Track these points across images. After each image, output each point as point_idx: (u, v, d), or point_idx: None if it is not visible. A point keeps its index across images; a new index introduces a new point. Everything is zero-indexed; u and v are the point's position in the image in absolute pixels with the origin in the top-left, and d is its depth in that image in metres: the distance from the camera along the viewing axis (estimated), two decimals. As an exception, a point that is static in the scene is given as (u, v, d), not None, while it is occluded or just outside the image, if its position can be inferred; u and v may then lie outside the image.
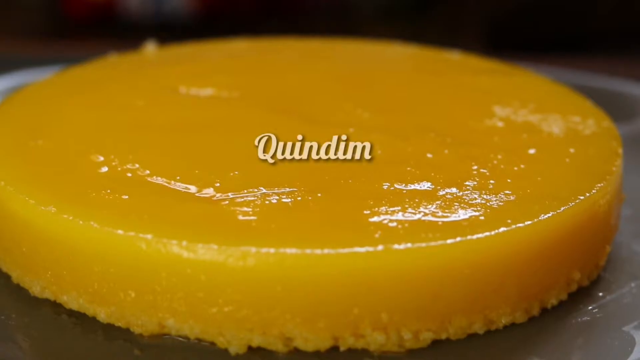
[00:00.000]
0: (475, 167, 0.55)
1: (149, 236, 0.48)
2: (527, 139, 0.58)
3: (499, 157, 0.56)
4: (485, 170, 0.54)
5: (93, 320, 0.51)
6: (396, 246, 0.48)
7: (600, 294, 0.55)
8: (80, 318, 0.51)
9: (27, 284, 0.53)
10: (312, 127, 0.59)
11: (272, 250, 0.47)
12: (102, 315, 0.51)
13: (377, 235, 0.48)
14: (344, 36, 0.74)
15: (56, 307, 0.52)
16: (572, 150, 0.57)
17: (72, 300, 0.51)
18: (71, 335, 0.50)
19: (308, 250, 0.47)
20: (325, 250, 0.47)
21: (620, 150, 0.58)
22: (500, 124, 0.60)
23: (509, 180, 0.53)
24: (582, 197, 0.53)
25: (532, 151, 0.57)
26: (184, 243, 0.48)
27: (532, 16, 1.09)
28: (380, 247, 0.48)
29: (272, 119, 0.60)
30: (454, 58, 0.71)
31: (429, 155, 0.56)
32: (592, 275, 0.55)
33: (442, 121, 0.60)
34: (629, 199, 0.61)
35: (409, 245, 0.48)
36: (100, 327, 0.51)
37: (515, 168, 0.55)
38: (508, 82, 0.67)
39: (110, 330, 0.50)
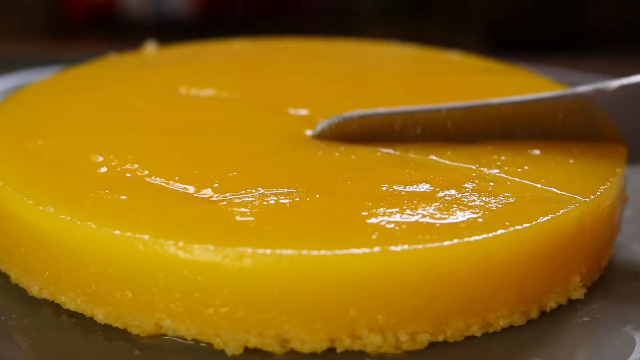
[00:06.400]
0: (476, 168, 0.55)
1: (146, 237, 0.48)
2: (530, 140, 0.58)
3: (503, 158, 0.55)
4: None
5: (93, 320, 0.51)
6: (393, 248, 0.47)
7: (601, 294, 0.54)
8: (80, 318, 0.51)
9: (25, 284, 0.53)
10: (311, 127, 0.59)
11: (268, 251, 0.47)
12: (100, 316, 0.51)
13: (374, 237, 0.48)
14: (344, 36, 0.74)
15: (56, 307, 0.52)
16: (575, 151, 0.57)
17: (69, 301, 0.51)
18: (71, 336, 0.50)
19: (304, 252, 0.47)
20: (322, 252, 0.47)
21: (624, 152, 0.58)
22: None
23: (508, 183, 0.53)
24: (587, 200, 0.52)
25: (535, 152, 0.56)
26: (181, 244, 0.48)
27: (533, 16, 1.08)
28: (376, 249, 0.47)
29: (271, 119, 0.60)
30: (454, 58, 0.71)
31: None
32: (594, 276, 0.55)
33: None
34: (630, 199, 0.61)
35: (406, 247, 0.48)
36: (100, 327, 0.51)
37: (519, 170, 0.54)
38: (508, 82, 0.66)
39: (110, 331, 0.50)
